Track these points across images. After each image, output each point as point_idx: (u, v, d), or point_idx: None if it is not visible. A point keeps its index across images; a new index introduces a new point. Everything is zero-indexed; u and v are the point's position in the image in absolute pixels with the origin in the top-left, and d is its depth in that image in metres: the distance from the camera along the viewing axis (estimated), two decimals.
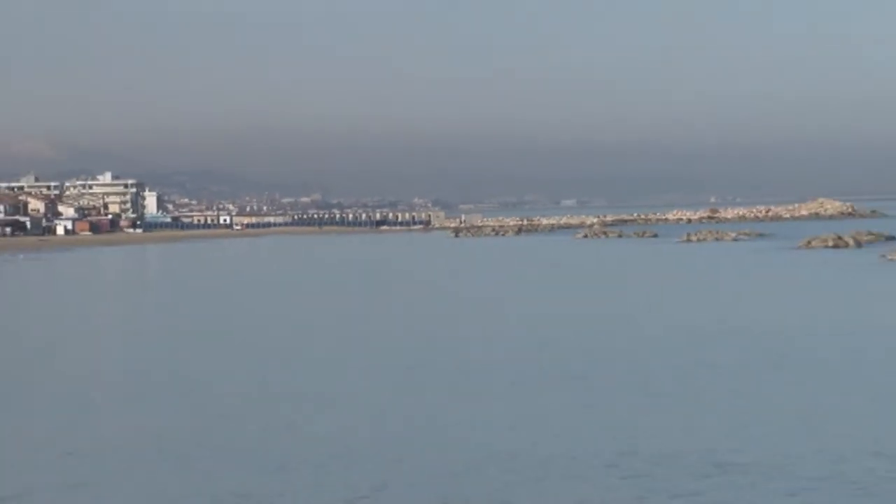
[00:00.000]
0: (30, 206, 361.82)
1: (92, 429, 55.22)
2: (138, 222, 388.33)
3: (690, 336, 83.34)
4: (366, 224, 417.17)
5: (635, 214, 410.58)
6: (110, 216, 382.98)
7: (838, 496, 37.95)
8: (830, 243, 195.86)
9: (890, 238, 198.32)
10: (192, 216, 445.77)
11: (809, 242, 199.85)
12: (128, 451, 49.28)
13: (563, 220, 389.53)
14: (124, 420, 57.61)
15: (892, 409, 53.81)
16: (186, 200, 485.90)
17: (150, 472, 45.00)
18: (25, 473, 45.82)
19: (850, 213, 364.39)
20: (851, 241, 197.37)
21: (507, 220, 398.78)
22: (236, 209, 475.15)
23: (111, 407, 62.50)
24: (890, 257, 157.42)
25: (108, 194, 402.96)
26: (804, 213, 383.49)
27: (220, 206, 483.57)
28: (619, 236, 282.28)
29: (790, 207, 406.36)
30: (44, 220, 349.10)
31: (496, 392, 63.23)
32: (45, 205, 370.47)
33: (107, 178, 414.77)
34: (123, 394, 68.20)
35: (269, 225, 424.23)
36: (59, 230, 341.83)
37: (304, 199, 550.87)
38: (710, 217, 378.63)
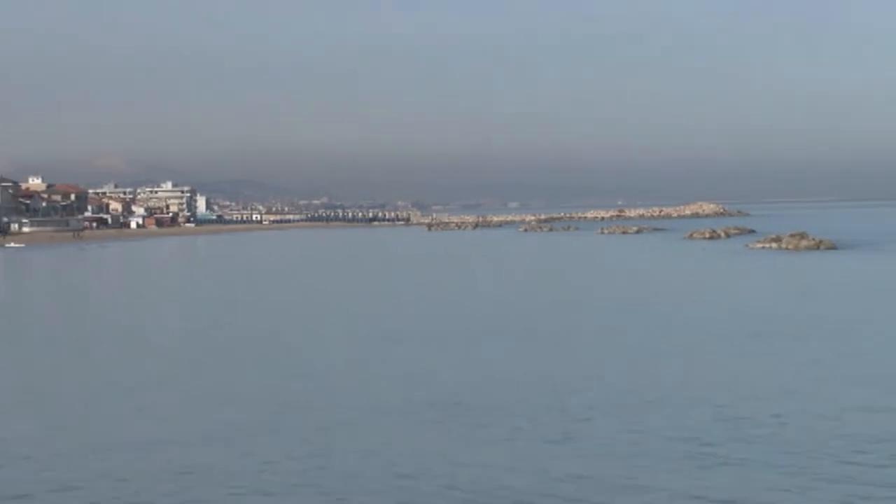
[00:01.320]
0: (111, 207, 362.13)
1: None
2: (192, 219, 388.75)
3: (595, 300, 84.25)
4: (361, 220, 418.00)
5: (563, 213, 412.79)
6: (171, 214, 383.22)
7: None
8: (707, 235, 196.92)
9: (751, 231, 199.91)
10: (231, 214, 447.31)
11: (692, 234, 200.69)
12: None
13: (509, 218, 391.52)
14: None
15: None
16: (227, 202, 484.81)
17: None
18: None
19: (722, 213, 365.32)
20: (723, 234, 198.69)
21: (467, 217, 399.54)
22: (264, 209, 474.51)
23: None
24: (751, 246, 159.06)
25: (169, 198, 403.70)
26: (688, 212, 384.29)
27: (253, 207, 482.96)
28: (550, 230, 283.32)
29: (677, 208, 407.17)
30: (121, 217, 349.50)
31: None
32: (122, 205, 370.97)
33: (168, 185, 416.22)
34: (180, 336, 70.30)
35: (288, 221, 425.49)
36: (133, 224, 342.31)
37: (315, 202, 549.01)
38: (618, 215, 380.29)
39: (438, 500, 29.40)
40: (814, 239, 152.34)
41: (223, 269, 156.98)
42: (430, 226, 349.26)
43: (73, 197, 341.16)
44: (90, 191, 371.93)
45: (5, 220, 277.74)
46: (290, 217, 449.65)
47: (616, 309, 76.98)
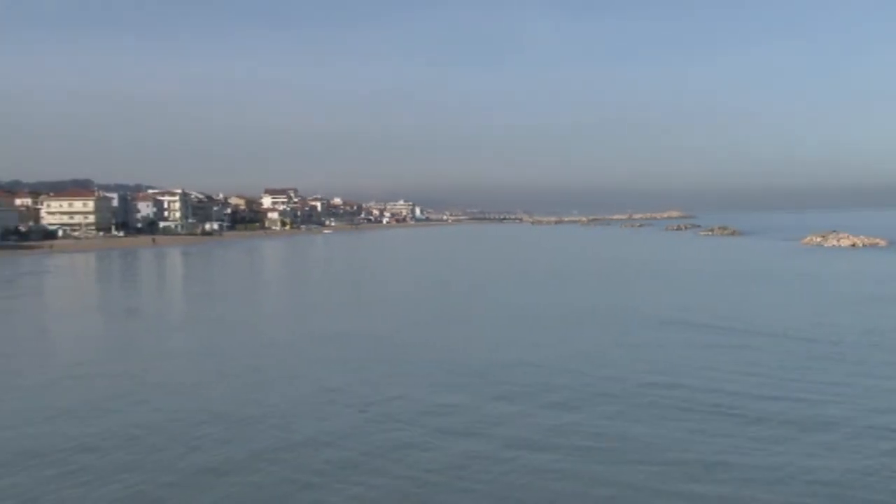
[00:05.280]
0: (373, 212, 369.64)
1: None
2: (413, 219, 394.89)
3: (611, 261, 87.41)
4: (496, 219, 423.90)
5: (601, 216, 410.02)
6: (403, 216, 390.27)
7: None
8: (675, 227, 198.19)
9: (698, 226, 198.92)
10: (432, 216, 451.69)
11: (667, 227, 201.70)
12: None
13: (574, 219, 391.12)
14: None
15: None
16: (430, 210, 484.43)
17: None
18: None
19: (682, 216, 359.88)
20: (684, 227, 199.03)
21: (552, 218, 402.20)
22: (448, 213, 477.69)
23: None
24: (698, 233, 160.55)
25: (401, 207, 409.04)
26: (664, 216, 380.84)
27: (442, 212, 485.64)
28: (595, 225, 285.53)
29: (659, 213, 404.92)
30: (378, 218, 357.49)
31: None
32: (379, 211, 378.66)
33: (401, 201, 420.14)
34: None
35: (461, 220, 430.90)
36: (384, 221, 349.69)
37: (474, 210, 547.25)
38: (629, 217, 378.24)
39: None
40: (730, 229, 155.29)
41: (443, 239, 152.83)
42: (533, 222, 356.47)
43: (355, 207, 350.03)
44: (363, 203, 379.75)
45: (323, 219, 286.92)
46: (462, 217, 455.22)
47: (631, 261, 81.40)
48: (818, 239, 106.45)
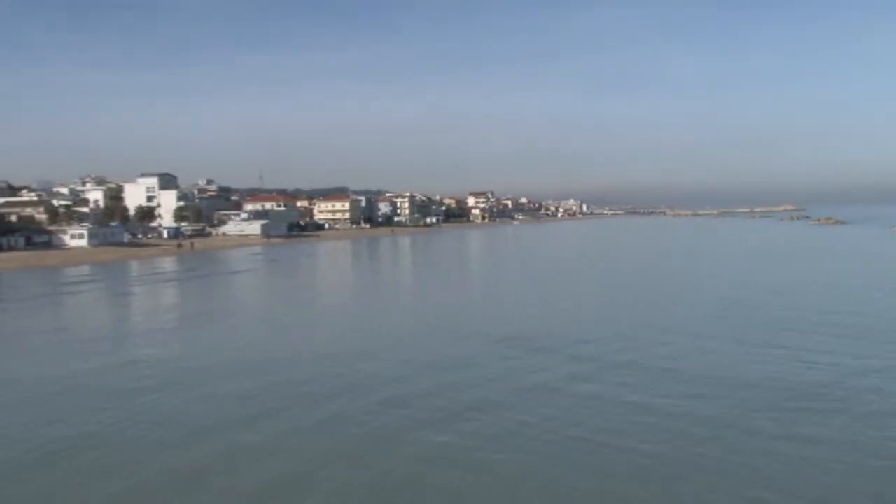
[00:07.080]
0: (549, 208, 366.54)
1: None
2: (580, 213, 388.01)
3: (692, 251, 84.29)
4: (645, 213, 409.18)
5: (727, 209, 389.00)
6: (573, 211, 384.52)
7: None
8: (789, 218, 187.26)
9: (808, 217, 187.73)
10: (593, 210, 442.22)
11: (782, 219, 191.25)
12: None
13: (707, 212, 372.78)
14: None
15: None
16: (594, 206, 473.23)
17: None
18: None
19: (795, 209, 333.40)
20: (796, 217, 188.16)
21: (689, 212, 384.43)
22: (607, 208, 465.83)
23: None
24: (808, 222, 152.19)
25: (572, 205, 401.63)
26: (780, 209, 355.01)
27: (603, 208, 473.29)
28: (724, 217, 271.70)
29: (776, 207, 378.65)
30: (553, 212, 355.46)
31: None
32: (554, 207, 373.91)
33: (570, 200, 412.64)
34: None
35: (618, 213, 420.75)
36: (558, 215, 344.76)
37: (628, 206, 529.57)
38: (750, 211, 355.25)
39: None
40: (834, 219, 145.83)
41: (611, 227, 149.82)
42: (674, 215, 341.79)
43: (537, 204, 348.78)
44: (543, 202, 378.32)
45: (513, 214, 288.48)
46: (618, 212, 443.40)
47: (753, 247, 79.64)
48: None
